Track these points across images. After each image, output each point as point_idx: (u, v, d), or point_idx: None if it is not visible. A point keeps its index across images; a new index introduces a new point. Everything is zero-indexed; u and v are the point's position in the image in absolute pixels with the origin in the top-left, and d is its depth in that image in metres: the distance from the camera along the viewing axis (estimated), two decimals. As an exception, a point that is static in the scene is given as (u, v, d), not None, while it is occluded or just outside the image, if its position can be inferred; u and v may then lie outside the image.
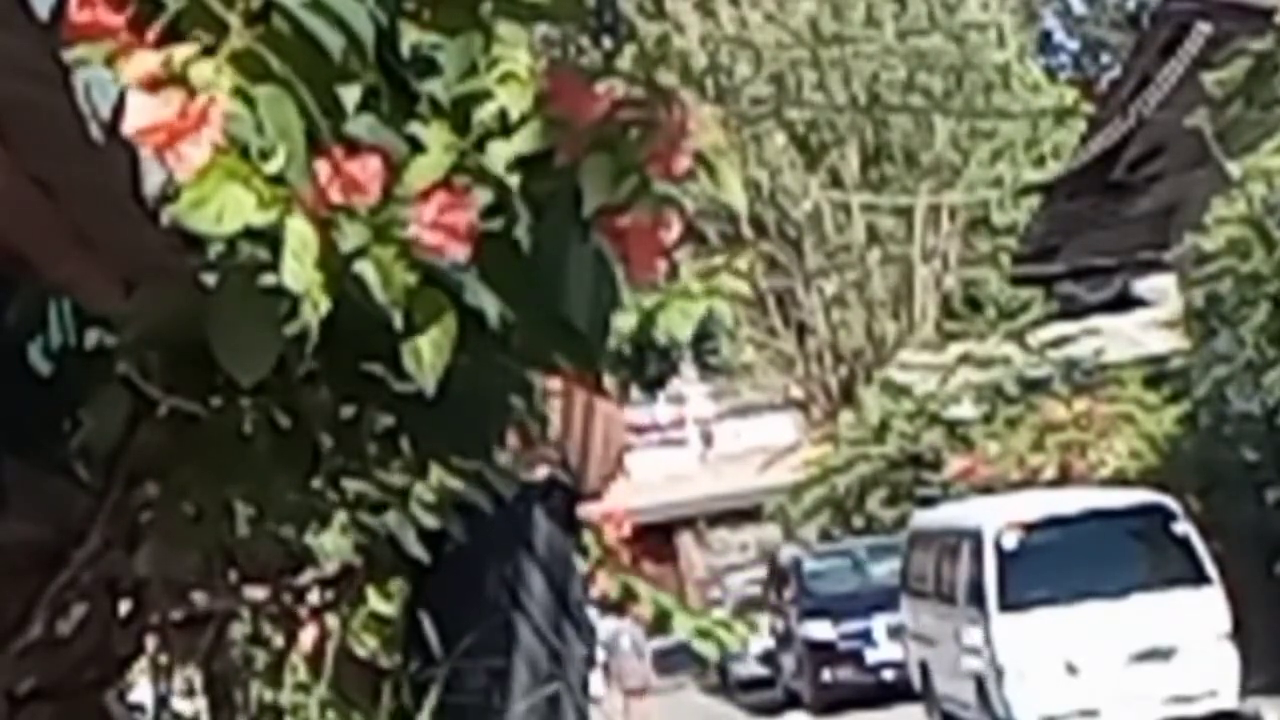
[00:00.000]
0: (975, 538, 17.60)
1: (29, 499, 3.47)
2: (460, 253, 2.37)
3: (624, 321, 3.15)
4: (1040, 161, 36.51)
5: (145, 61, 2.21)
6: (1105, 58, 46.81)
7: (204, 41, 2.25)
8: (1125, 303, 26.55)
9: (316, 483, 3.83)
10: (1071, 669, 16.65)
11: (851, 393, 35.27)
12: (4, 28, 2.13)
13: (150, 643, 4.63)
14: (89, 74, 2.24)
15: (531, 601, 4.13)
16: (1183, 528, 17.11)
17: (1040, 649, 16.61)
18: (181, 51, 2.22)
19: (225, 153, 2.22)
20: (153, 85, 2.20)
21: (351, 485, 4.01)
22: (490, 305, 2.47)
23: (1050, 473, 23.05)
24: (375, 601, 5.98)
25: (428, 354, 2.40)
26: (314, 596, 5.97)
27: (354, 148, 2.31)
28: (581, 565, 4.72)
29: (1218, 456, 18.19)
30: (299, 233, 2.26)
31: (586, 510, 4.66)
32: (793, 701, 25.67)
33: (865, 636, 24.24)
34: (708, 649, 7.45)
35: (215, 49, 2.24)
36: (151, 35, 2.24)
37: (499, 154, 2.47)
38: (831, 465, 30.12)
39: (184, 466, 3.50)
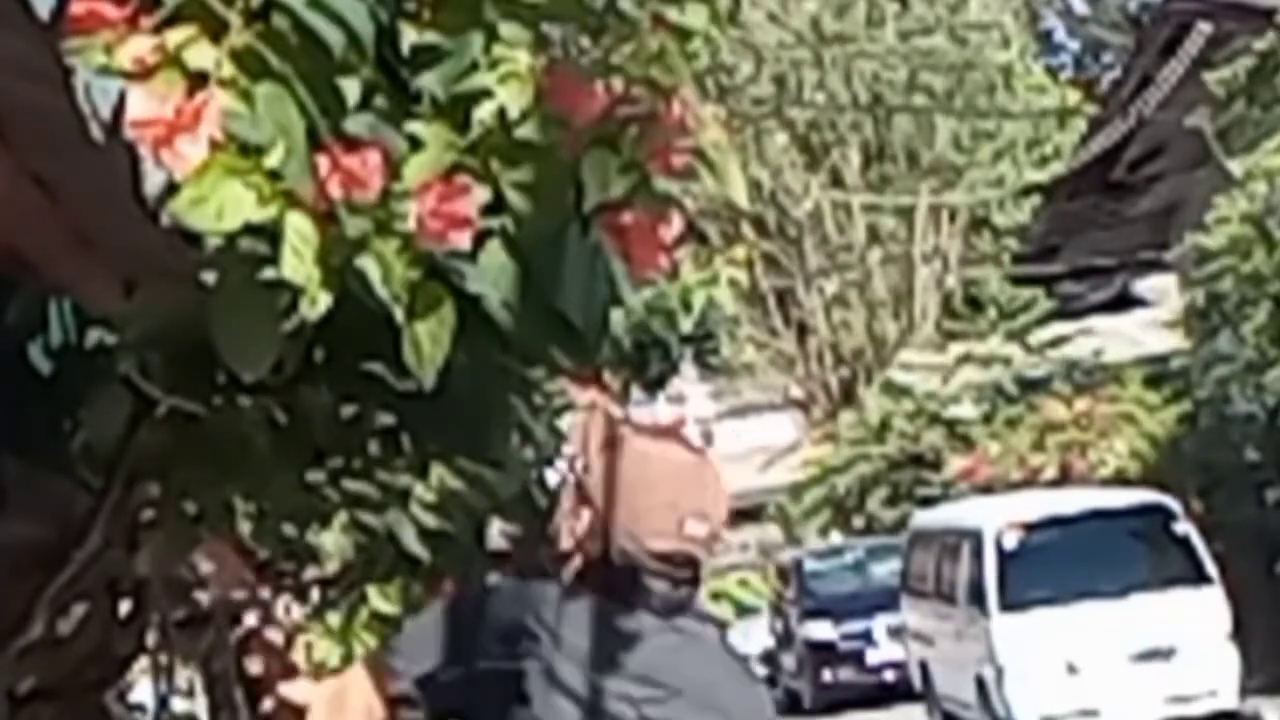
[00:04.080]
0: (975, 538, 17.60)
1: (30, 498, 3.47)
2: (462, 240, 2.37)
3: (626, 317, 3.11)
4: (1042, 162, 36.50)
5: (140, 45, 2.21)
6: (1106, 58, 46.81)
7: (202, 32, 2.25)
8: (1125, 303, 26.55)
9: (317, 479, 3.83)
10: (1072, 669, 16.65)
11: (852, 392, 35.29)
12: (4, 27, 2.13)
13: (150, 643, 4.63)
14: (89, 74, 2.24)
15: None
16: (1183, 528, 17.11)
17: (1040, 649, 16.61)
18: (177, 35, 2.22)
19: (223, 149, 2.22)
20: (148, 70, 2.20)
21: (352, 485, 4.01)
22: (492, 294, 2.47)
23: (1051, 473, 23.06)
24: (376, 600, 5.99)
25: (426, 346, 2.40)
26: (314, 596, 5.98)
27: (353, 144, 2.31)
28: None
29: (1218, 456, 18.19)
30: (298, 228, 2.27)
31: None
32: (793, 702, 25.66)
33: (866, 637, 24.22)
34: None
35: (214, 40, 2.24)
36: (149, 25, 2.24)
37: (498, 151, 2.47)
38: (832, 465, 30.12)
39: (184, 466, 3.50)
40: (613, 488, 3.12)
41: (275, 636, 5.96)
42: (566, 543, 3.21)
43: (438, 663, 3.17)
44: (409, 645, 3.26)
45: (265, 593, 5.70)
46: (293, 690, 3.19)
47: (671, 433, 3.31)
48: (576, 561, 3.18)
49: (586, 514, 3.17)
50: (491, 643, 3.14)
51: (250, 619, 5.83)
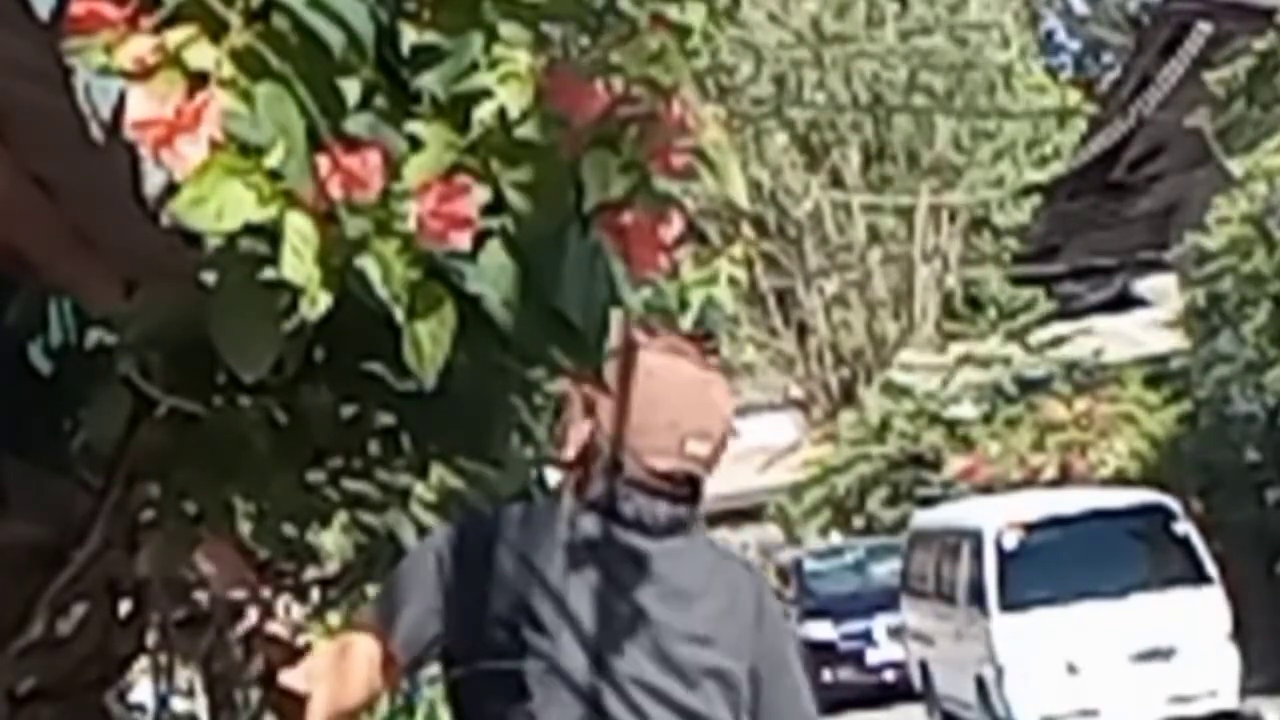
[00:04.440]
0: (975, 538, 17.60)
1: (30, 499, 3.47)
2: (462, 240, 2.37)
3: (626, 316, 3.08)
4: (1042, 162, 36.53)
5: (140, 45, 2.21)
6: (1106, 58, 46.80)
7: (202, 32, 2.25)
8: (1125, 303, 26.56)
9: (317, 479, 3.83)
10: (1072, 669, 16.65)
11: (852, 392, 35.30)
12: (4, 27, 2.13)
13: (150, 643, 4.63)
14: (89, 74, 2.24)
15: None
16: (1183, 528, 17.11)
17: (1040, 649, 16.61)
18: (177, 35, 2.22)
19: (223, 149, 2.22)
20: (148, 71, 2.20)
21: (352, 485, 4.01)
22: (492, 294, 2.47)
23: (1051, 473, 23.08)
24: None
25: (426, 346, 2.40)
26: (314, 596, 5.98)
27: (353, 144, 2.31)
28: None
29: (1218, 456, 18.20)
30: (298, 228, 2.27)
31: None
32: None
33: (866, 637, 24.22)
34: None
35: (214, 40, 2.24)
36: (149, 25, 2.24)
37: (498, 151, 2.47)
38: (832, 465, 30.12)
39: (184, 466, 3.50)
40: (619, 401, 3.10)
41: (278, 630, 5.95)
42: (570, 454, 3.19)
43: (437, 620, 3.11)
44: (403, 584, 3.18)
45: (265, 592, 5.69)
46: (292, 678, 3.17)
47: (681, 348, 3.28)
48: (577, 473, 3.16)
49: (589, 426, 3.15)
50: (492, 616, 3.09)
51: (251, 616, 5.82)
